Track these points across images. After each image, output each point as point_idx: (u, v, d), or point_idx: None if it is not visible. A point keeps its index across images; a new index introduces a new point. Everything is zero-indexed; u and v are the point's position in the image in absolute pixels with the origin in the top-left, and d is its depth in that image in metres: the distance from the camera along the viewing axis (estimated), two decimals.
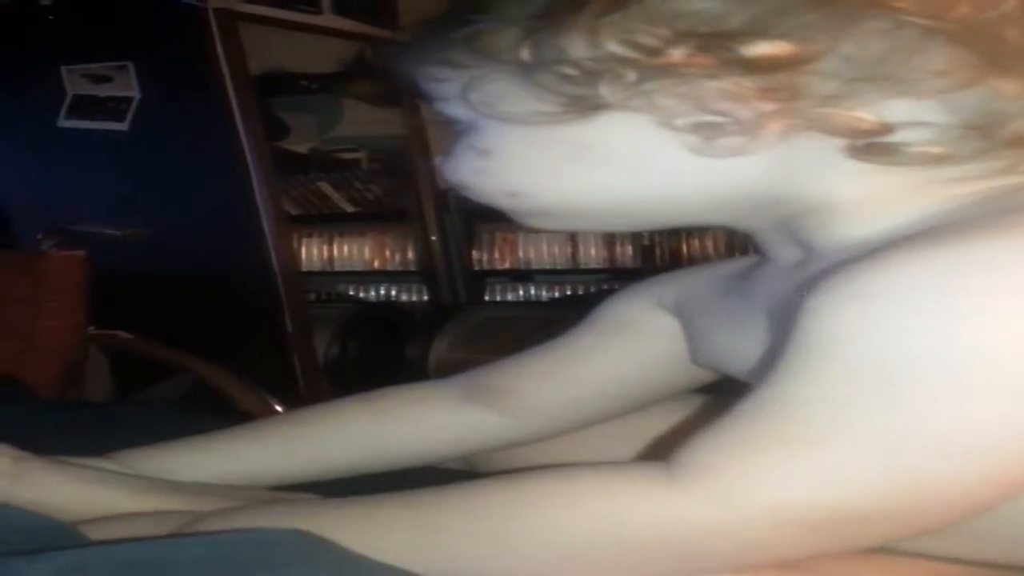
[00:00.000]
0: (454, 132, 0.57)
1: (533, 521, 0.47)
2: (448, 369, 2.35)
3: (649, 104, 0.48)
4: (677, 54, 0.46)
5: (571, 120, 0.50)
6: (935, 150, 0.46)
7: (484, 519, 0.48)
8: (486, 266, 2.98)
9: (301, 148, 3.09)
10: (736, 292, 0.63)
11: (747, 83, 0.46)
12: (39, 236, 1.79)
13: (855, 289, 0.43)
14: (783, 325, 0.47)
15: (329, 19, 2.61)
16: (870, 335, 0.42)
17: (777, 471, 0.43)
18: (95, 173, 2.34)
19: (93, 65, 2.28)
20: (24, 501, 0.60)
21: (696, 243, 2.76)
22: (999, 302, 0.40)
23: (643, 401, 0.73)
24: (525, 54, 0.49)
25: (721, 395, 0.69)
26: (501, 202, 0.57)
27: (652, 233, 2.70)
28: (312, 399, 2.23)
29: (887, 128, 0.46)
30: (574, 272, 2.91)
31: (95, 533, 0.57)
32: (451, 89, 0.54)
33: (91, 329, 1.70)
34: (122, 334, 1.77)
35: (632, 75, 0.47)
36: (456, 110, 0.55)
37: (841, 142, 0.48)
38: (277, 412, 1.47)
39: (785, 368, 0.44)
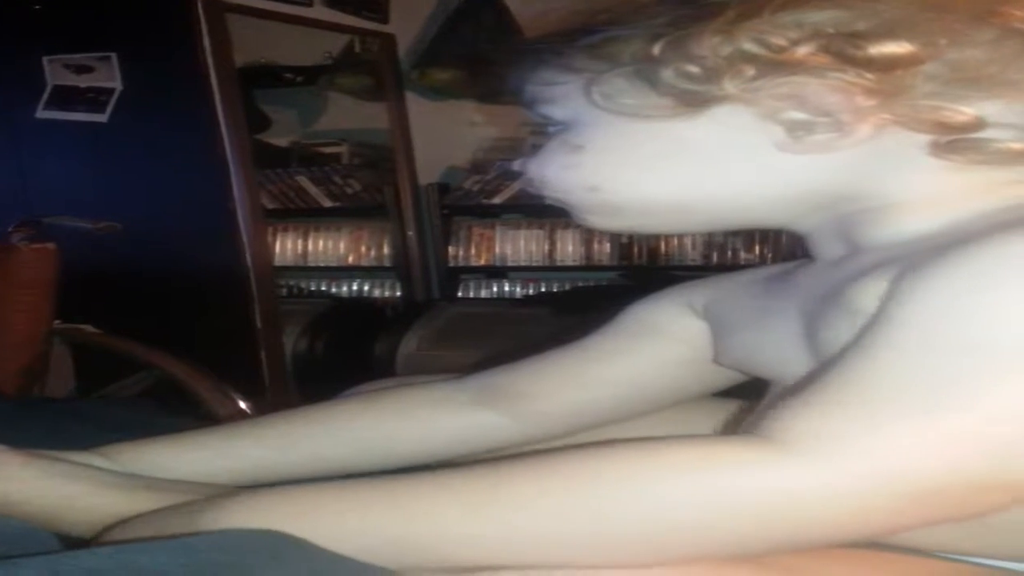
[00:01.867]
0: (549, 134, 0.61)
1: (634, 491, 0.46)
2: (416, 366, 2.38)
3: (755, 99, 0.52)
4: (802, 50, 0.50)
5: (678, 115, 0.54)
6: (1017, 147, 0.49)
7: (575, 492, 0.46)
8: (462, 262, 2.98)
9: (282, 141, 3.09)
10: (767, 294, 0.64)
11: (861, 80, 0.49)
12: (10, 229, 1.79)
13: (944, 270, 0.45)
14: (833, 310, 0.50)
15: (320, 11, 2.61)
16: (976, 312, 0.44)
17: (878, 436, 0.43)
18: (72, 165, 2.34)
19: (76, 55, 2.28)
20: None
21: (674, 242, 2.78)
22: None
23: (654, 405, 0.73)
24: (656, 50, 0.53)
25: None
26: (577, 196, 0.60)
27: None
28: (276, 395, 2.25)
29: (977, 123, 0.49)
30: (550, 269, 2.92)
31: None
32: (566, 90, 0.58)
33: (57, 323, 1.69)
34: (87, 328, 1.74)
35: (752, 71, 0.51)
36: (562, 111, 0.59)
37: (925, 139, 0.50)
38: (241, 408, 1.47)
39: (883, 340, 0.45)
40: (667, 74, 0.52)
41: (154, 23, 2.23)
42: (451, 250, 2.98)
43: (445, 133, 2.94)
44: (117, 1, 2.23)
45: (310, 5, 2.57)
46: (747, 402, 0.72)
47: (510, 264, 2.95)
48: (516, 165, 0.65)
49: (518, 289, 3.00)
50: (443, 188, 2.97)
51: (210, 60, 2.22)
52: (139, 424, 0.85)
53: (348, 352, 2.57)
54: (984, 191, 0.51)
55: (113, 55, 2.26)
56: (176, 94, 2.25)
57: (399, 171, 2.92)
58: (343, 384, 0.84)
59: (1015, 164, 0.50)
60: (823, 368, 0.47)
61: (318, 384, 2.28)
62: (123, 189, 2.29)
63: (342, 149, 3.06)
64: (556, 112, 0.60)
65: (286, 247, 3.10)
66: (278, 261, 2.98)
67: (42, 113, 2.31)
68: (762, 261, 2.46)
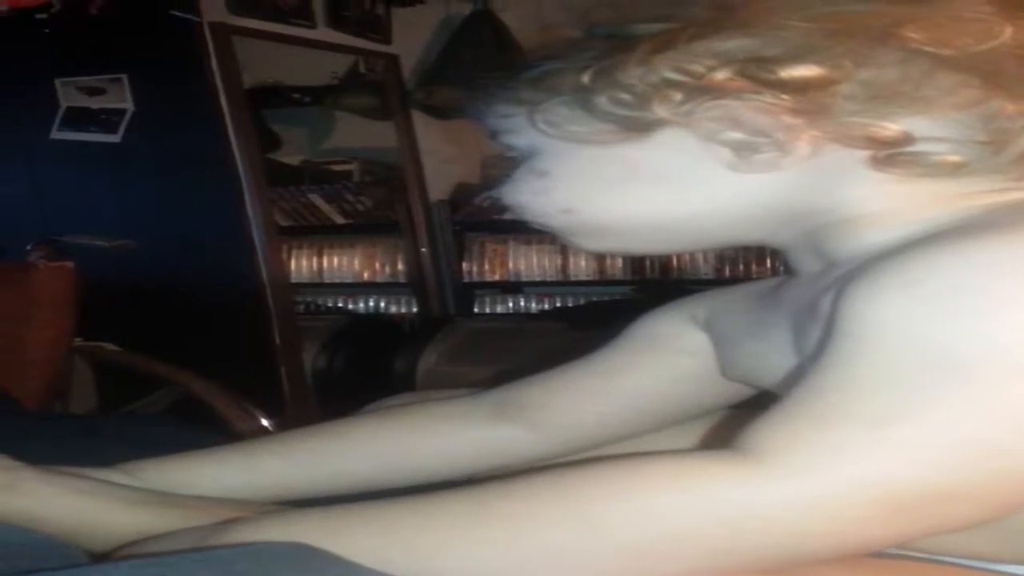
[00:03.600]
0: (515, 161, 0.63)
1: (627, 504, 0.47)
2: (436, 381, 2.37)
3: (692, 122, 0.54)
4: (720, 75, 0.52)
5: (624, 140, 0.56)
6: (952, 159, 0.51)
7: (574, 505, 0.48)
8: (476, 278, 2.98)
9: (293, 160, 3.10)
10: (763, 306, 0.65)
11: (780, 101, 0.52)
12: (28, 248, 1.79)
13: (900, 277, 0.46)
14: (811, 323, 0.51)
15: (323, 33, 2.63)
16: (919, 320, 0.44)
17: (852, 446, 0.44)
18: (87, 185, 2.35)
19: (87, 78, 2.30)
20: (16, 511, 0.60)
21: (686, 256, 2.76)
22: None
23: (675, 418, 0.73)
24: (586, 79, 0.56)
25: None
26: (556, 220, 0.62)
27: None
28: (298, 412, 2.25)
29: (909, 138, 0.51)
30: (564, 284, 2.92)
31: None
32: (518, 121, 0.61)
33: (78, 341, 1.70)
34: (108, 346, 1.76)
35: (679, 96, 0.53)
36: (521, 139, 0.62)
37: (864, 154, 0.52)
38: (262, 425, 1.47)
39: (837, 354, 0.46)
40: (602, 102, 0.55)
41: (163, 46, 2.25)
42: (465, 266, 2.98)
43: (454, 150, 2.94)
44: (126, 25, 2.25)
45: (314, 27, 2.60)
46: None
47: (524, 279, 2.95)
48: (495, 192, 0.67)
49: (533, 304, 3.00)
50: (454, 204, 2.97)
51: (219, 81, 2.24)
52: (162, 441, 0.85)
53: (367, 368, 2.57)
54: (937, 203, 0.52)
55: (124, 77, 2.28)
56: (187, 114, 2.27)
57: (409, 188, 2.93)
58: (363, 400, 0.84)
59: (958, 176, 0.51)
60: (795, 381, 0.48)
61: (338, 400, 2.28)
62: (138, 208, 2.31)
63: (352, 167, 3.07)
64: (516, 141, 0.62)
65: (301, 264, 3.11)
66: (294, 278, 2.99)
67: (56, 134, 2.32)
68: (774, 274, 2.43)
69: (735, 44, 0.53)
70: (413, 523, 0.50)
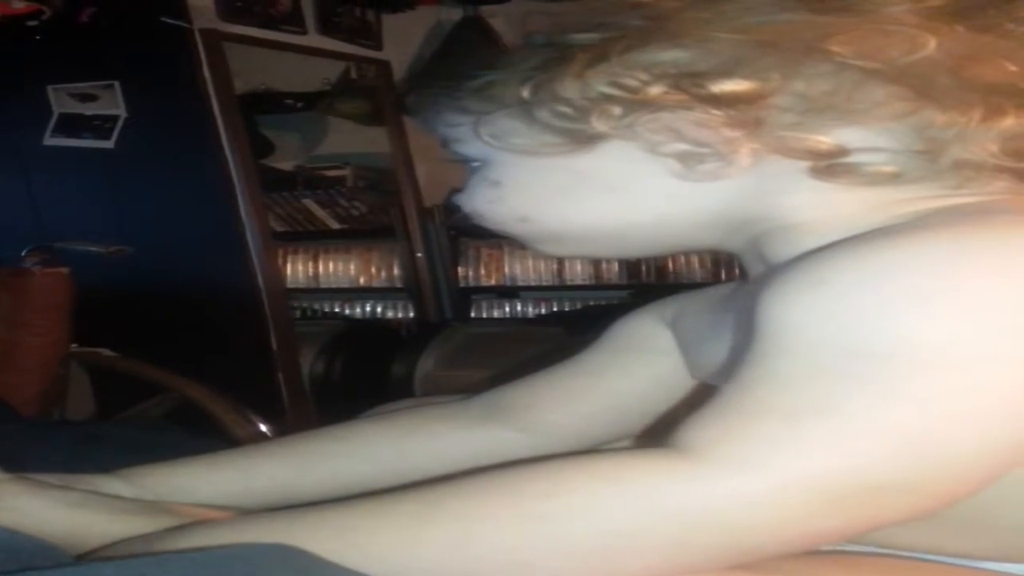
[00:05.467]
0: (469, 170, 0.64)
1: (569, 502, 0.47)
2: (434, 386, 2.37)
3: (634, 134, 0.55)
4: (654, 90, 0.53)
5: (571, 151, 0.57)
6: (888, 169, 0.52)
7: (519, 503, 0.48)
8: (472, 283, 2.98)
9: (286, 165, 3.09)
10: (721, 308, 0.67)
11: (716, 114, 0.53)
12: (22, 254, 1.79)
13: (813, 276, 0.47)
14: (747, 325, 0.51)
15: (314, 39, 2.63)
16: (826, 317, 0.46)
17: (780, 439, 0.45)
18: (81, 191, 2.34)
19: (79, 84, 2.29)
20: (4, 525, 0.58)
21: (682, 260, 2.77)
22: (945, 279, 0.45)
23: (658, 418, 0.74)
24: (525, 93, 0.56)
25: None
26: (513, 228, 0.63)
27: None
28: (297, 417, 2.24)
29: (843, 150, 0.52)
30: (560, 288, 2.91)
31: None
32: (465, 131, 0.61)
33: (74, 347, 1.70)
34: (105, 352, 1.75)
35: (617, 110, 0.54)
36: (470, 149, 0.62)
37: (804, 164, 0.54)
38: (261, 431, 1.46)
39: (759, 352, 0.48)
40: (543, 115, 0.56)
41: (154, 52, 2.25)
42: (460, 271, 2.98)
43: (447, 155, 2.93)
44: (117, 31, 2.24)
45: (305, 33, 2.60)
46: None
47: (520, 284, 2.95)
48: (452, 200, 0.67)
49: (530, 309, 2.99)
50: (448, 209, 2.96)
51: (211, 87, 2.24)
52: (160, 446, 0.85)
53: (365, 373, 2.56)
54: (875, 210, 0.53)
55: (116, 83, 2.28)
56: (180, 120, 2.27)
57: (403, 193, 2.92)
58: (362, 405, 0.84)
59: (897, 184, 0.53)
60: (731, 379, 0.49)
61: (337, 405, 2.27)
62: (133, 213, 2.30)
63: (346, 172, 3.05)
64: (466, 150, 0.63)
65: (297, 269, 3.10)
66: (290, 283, 2.99)
67: (49, 140, 2.31)
68: None
69: (668, 56, 0.54)
70: (368, 526, 0.50)
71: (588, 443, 0.74)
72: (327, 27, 2.68)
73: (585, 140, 0.56)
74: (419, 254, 2.93)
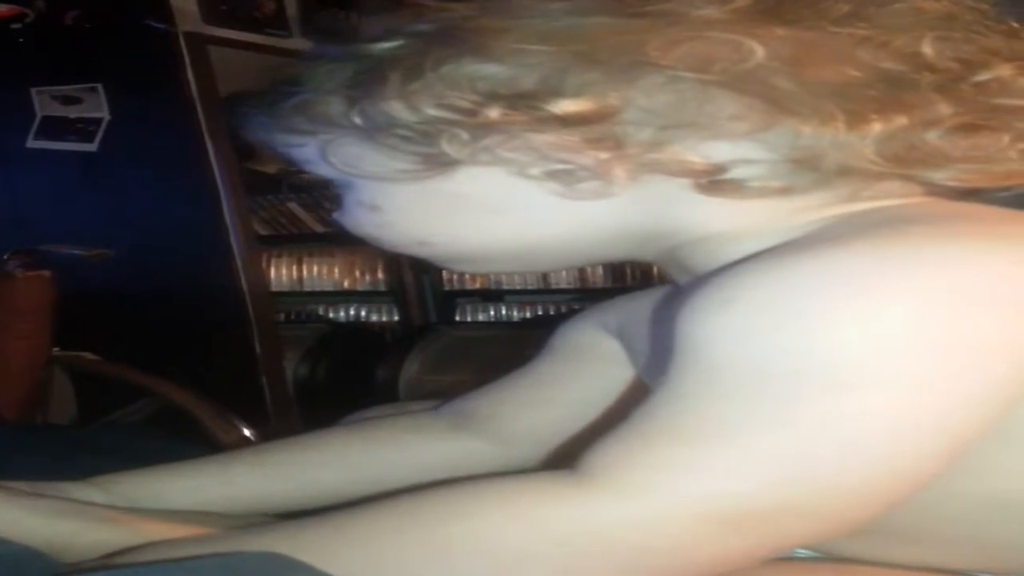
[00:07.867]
0: (336, 189, 0.58)
1: (464, 527, 0.47)
2: (419, 390, 2.36)
3: (496, 157, 0.51)
4: (493, 113, 0.49)
5: (433, 175, 0.52)
6: (774, 183, 0.49)
7: (421, 529, 0.48)
8: (457, 286, 2.97)
9: (270, 168, 3.08)
10: (661, 314, 0.65)
11: (570, 136, 0.49)
12: (5, 257, 1.78)
13: (718, 296, 0.46)
14: (671, 337, 0.49)
15: (298, 42, 2.61)
16: (734, 337, 0.45)
17: (676, 463, 0.44)
18: (64, 194, 2.33)
19: (63, 87, 2.28)
20: None
21: None
22: (846, 301, 0.43)
23: None
24: (357, 120, 0.51)
25: None
26: (416, 251, 0.58)
27: None
28: (281, 421, 2.23)
29: (717, 167, 0.49)
30: (545, 292, 2.90)
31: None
32: (310, 152, 0.55)
33: (56, 350, 1.69)
34: (88, 356, 1.75)
35: (464, 135, 0.50)
36: (326, 171, 0.56)
37: (686, 181, 0.50)
38: (244, 435, 1.46)
39: (669, 372, 0.47)
40: (389, 140, 0.51)
41: (138, 55, 2.24)
42: (445, 274, 2.95)
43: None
44: (101, 34, 2.23)
45: (289, 36, 2.59)
46: None
47: (505, 288, 2.94)
48: (335, 218, 0.61)
49: (515, 312, 2.98)
50: None
51: (195, 91, 2.23)
52: (142, 452, 0.85)
53: (350, 377, 2.56)
54: (785, 216, 0.51)
55: (99, 86, 2.26)
56: (164, 123, 2.25)
57: None
58: (346, 409, 0.85)
59: (785, 197, 0.50)
60: (644, 399, 0.48)
61: (321, 409, 2.26)
62: (116, 217, 2.29)
63: None
64: (323, 171, 0.57)
65: (281, 273, 3.09)
66: (274, 287, 2.97)
67: (32, 143, 2.30)
68: None
69: (487, 71, 0.49)
70: (287, 549, 0.49)
71: (567, 451, 0.73)
72: (311, 30, 2.67)
73: (446, 163, 0.51)
74: (403, 257, 2.92)
